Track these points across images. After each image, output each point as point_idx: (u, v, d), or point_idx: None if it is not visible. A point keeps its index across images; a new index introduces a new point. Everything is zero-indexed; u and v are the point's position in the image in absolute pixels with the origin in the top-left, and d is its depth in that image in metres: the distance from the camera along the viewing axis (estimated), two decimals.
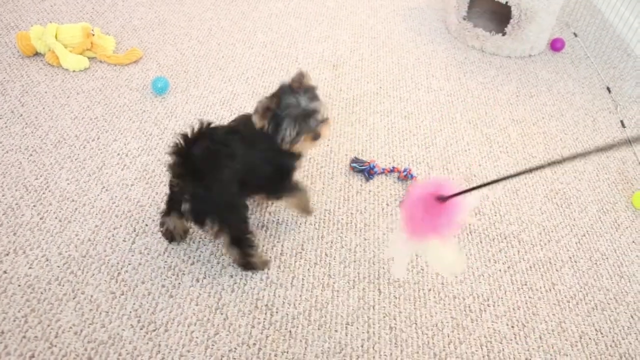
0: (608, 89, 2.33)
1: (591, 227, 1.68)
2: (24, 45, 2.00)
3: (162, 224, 1.41)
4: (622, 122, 2.14)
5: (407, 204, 0.97)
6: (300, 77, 1.30)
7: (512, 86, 2.27)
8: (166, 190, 1.58)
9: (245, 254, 1.35)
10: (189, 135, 1.18)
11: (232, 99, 1.97)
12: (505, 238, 1.60)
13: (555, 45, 2.53)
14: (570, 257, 1.58)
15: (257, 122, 1.28)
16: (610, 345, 1.37)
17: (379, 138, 1.89)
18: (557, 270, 1.53)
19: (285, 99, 1.28)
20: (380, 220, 1.58)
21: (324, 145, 1.82)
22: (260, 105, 1.27)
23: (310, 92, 1.31)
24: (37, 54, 2.05)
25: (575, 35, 2.71)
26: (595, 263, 1.57)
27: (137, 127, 1.79)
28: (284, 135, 1.28)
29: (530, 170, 0.86)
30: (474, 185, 0.91)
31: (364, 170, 1.70)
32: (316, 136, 1.30)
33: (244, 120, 1.35)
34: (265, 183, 1.40)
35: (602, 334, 1.40)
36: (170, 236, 1.42)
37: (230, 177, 1.24)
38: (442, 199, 0.91)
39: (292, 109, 1.27)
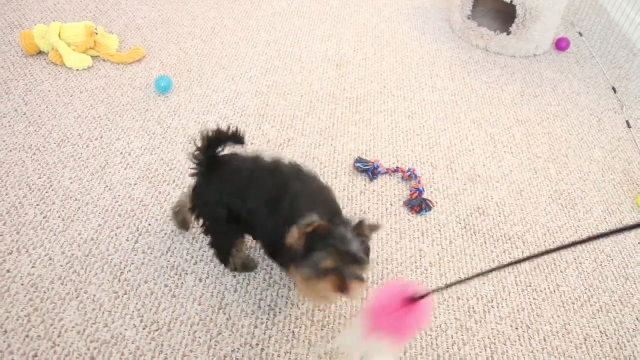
0: (614, 89, 2.31)
1: (596, 229, 1.67)
2: (28, 44, 2.00)
3: (176, 214, 1.43)
4: (627, 122, 2.13)
5: (377, 299, 0.97)
6: (373, 228, 1.12)
7: (517, 86, 2.25)
8: (170, 189, 1.58)
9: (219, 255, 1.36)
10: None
11: (235, 97, 1.97)
12: (509, 239, 1.59)
13: (561, 45, 2.52)
14: (575, 259, 1.57)
15: (294, 237, 1.06)
16: (616, 348, 1.36)
17: (383, 138, 1.88)
18: (561, 272, 1.52)
19: (338, 230, 1.07)
20: (384, 220, 1.58)
21: (328, 145, 1.81)
22: (302, 228, 1.06)
23: (365, 243, 1.10)
24: (40, 52, 2.05)
25: (581, 34, 2.69)
26: (601, 265, 1.56)
27: (141, 126, 1.79)
28: (309, 263, 1.05)
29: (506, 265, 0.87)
30: (448, 283, 0.95)
31: (368, 170, 1.70)
32: (344, 288, 1.03)
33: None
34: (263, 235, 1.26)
35: (607, 336, 1.39)
36: (184, 225, 1.45)
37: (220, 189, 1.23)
38: (414, 299, 0.91)
39: (338, 242, 1.05)
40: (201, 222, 1.28)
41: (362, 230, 1.09)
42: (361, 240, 1.08)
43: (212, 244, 1.35)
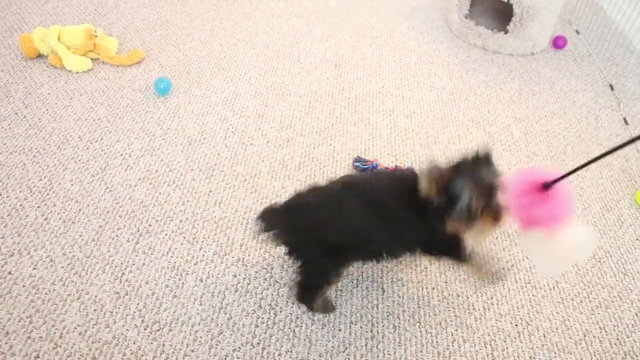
0: (611, 86, 2.32)
1: (595, 225, 1.68)
2: (27, 47, 2.00)
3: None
4: (625, 119, 2.13)
5: (513, 196, 0.91)
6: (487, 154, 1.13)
7: (515, 84, 2.26)
8: (170, 190, 1.58)
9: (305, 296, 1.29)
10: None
11: (234, 99, 1.97)
12: (508, 236, 1.59)
13: (558, 43, 2.53)
14: None
15: (426, 187, 1.07)
16: (615, 343, 1.37)
17: (381, 137, 1.89)
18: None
19: (466, 169, 1.08)
20: None
21: (327, 144, 1.82)
22: (435, 170, 1.08)
23: (492, 165, 1.11)
24: (40, 55, 2.05)
25: (578, 32, 2.70)
26: (599, 261, 1.57)
27: (140, 128, 1.80)
28: (461, 209, 1.05)
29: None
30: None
31: (367, 169, 1.70)
32: (497, 216, 1.04)
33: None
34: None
35: (606, 332, 1.39)
36: None
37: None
38: (547, 185, 0.85)
39: (475, 179, 1.06)
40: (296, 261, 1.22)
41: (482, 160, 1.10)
42: (485, 163, 1.10)
43: (302, 283, 1.26)
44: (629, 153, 1.97)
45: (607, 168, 1.88)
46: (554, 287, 1.47)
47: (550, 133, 2.02)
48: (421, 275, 1.45)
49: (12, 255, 1.37)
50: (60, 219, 1.48)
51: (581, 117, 2.13)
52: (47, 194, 1.54)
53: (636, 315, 1.44)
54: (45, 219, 1.47)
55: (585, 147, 1.97)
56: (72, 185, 1.57)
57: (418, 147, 1.86)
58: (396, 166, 1.73)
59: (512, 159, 1.87)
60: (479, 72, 2.31)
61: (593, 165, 1.87)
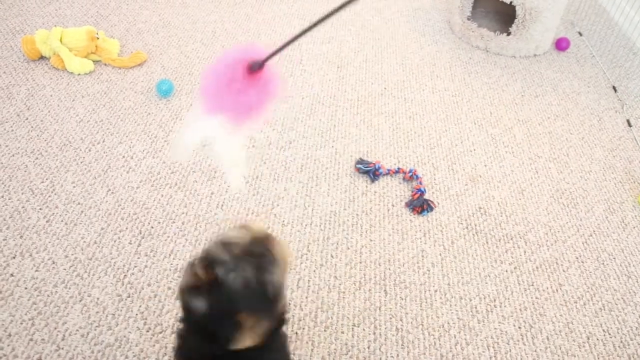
0: (614, 88, 2.32)
1: (598, 227, 1.67)
2: (29, 49, 2.01)
3: None
4: (628, 121, 2.13)
5: (212, 72, 0.75)
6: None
7: (517, 86, 2.26)
8: (172, 192, 1.58)
9: None
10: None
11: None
12: (511, 239, 1.59)
13: (560, 45, 2.52)
14: (577, 258, 1.57)
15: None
16: (619, 346, 1.36)
17: (383, 139, 1.88)
18: (564, 271, 1.52)
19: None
20: (386, 222, 1.58)
21: (329, 147, 1.81)
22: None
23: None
24: (42, 57, 2.05)
25: (580, 34, 2.70)
26: (603, 263, 1.56)
27: (142, 130, 1.80)
28: None
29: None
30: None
31: (369, 171, 1.70)
32: None
33: None
34: None
35: (610, 334, 1.39)
36: None
37: None
38: (256, 66, 0.72)
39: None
40: None
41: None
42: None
43: None
44: (633, 155, 1.96)
45: (610, 170, 1.88)
46: (557, 290, 1.47)
47: (553, 135, 2.01)
48: (424, 277, 1.45)
49: (14, 257, 1.37)
50: (62, 221, 1.48)
51: (584, 119, 2.12)
52: (49, 196, 1.54)
53: None
54: (47, 221, 1.47)
55: (589, 149, 1.96)
56: (74, 187, 1.57)
57: (420, 149, 1.86)
58: (398, 168, 1.73)
59: (514, 161, 1.87)
60: (481, 74, 2.30)
61: (596, 167, 1.87)
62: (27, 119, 1.79)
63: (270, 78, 0.74)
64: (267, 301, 0.78)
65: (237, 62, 0.73)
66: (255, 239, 0.79)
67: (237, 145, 0.80)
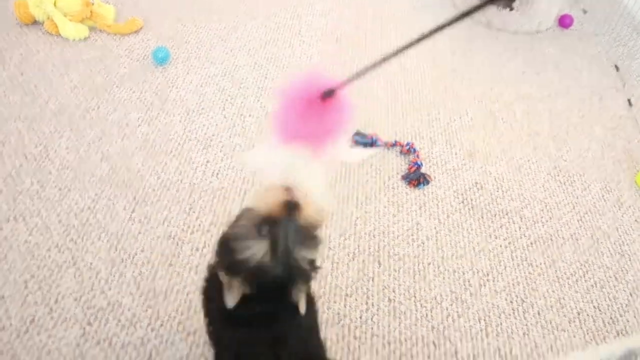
0: (616, 67, 2.29)
1: (594, 205, 1.67)
2: (22, 13, 1.97)
3: None
4: (629, 100, 2.11)
5: (284, 103, 0.76)
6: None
7: (519, 62, 2.23)
8: (167, 160, 1.57)
9: None
10: None
11: (233, 70, 1.95)
12: (506, 214, 1.59)
13: (564, 22, 2.49)
14: (571, 235, 1.57)
15: None
16: (608, 322, 1.37)
17: (381, 112, 1.87)
18: (558, 248, 1.52)
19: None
20: (382, 194, 1.57)
21: None
22: None
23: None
24: (35, 22, 2.01)
25: (585, 11, 2.66)
26: (597, 241, 1.56)
27: (138, 98, 1.77)
28: None
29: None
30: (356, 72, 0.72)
31: (366, 143, 1.69)
32: None
33: None
34: None
35: (600, 310, 1.39)
36: None
37: None
38: (328, 93, 0.72)
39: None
40: None
41: None
42: None
43: None
44: (632, 135, 1.95)
45: (609, 149, 1.87)
46: (550, 266, 1.47)
47: (553, 112, 2.00)
48: (418, 250, 1.45)
49: (7, 221, 1.36)
50: (56, 186, 1.46)
51: (585, 97, 2.10)
52: (43, 162, 1.52)
53: (630, 295, 1.44)
54: (41, 186, 1.46)
55: (588, 127, 1.95)
56: (68, 153, 1.56)
57: (419, 122, 1.84)
58: (396, 141, 1.71)
59: (513, 137, 1.85)
60: (482, 49, 2.28)
61: (595, 145, 1.86)
62: (20, 84, 1.76)
63: (343, 105, 0.74)
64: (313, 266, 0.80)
65: (310, 89, 0.73)
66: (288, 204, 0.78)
67: (317, 172, 0.80)
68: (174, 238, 1.38)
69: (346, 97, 0.74)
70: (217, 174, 1.55)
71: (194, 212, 1.45)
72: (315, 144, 0.76)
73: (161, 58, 1.90)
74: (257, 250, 0.74)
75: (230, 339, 0.88)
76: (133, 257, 1.32)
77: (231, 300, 0.77)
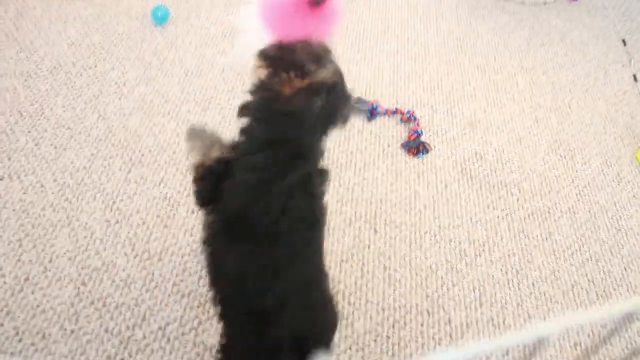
0: (624, 41, 2.25)
1: (593, 180, 1.66)
2: None
3: None
4: (634, 76, 2.08)
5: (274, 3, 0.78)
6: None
7: (524, 33, 2.19)
8: (164, 121, 1.55)
9: None
10: None
11: (234, 31, 1.91)
12: (505, 186, 1.58)
13: None
14: (569, 208, 1.56)
15: None
16: (601, 295, 1.38)
17: (383, 78, 1.84)
18: (555, 221, 1.52)
19: None
20: (381, 161, 1.56)
21: None
22: None
23: None
24: None
25: None
26: (594, 215, 1.56)
27: (136, 57, 1.74)
28: None
29: None
30: None
31: (367, 110, 1.67)
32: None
33: None
34: None
35: (594, 284, 1.40)
36: None
37: None
38: (317, 1, 0.74)
39: None
40: None
41: None
42: None
43: None
44: (635, 110, 1.93)
45: (611, 124, 1.85)
46: (546, 238, 1.47)
47: (557, 85, 1.97)
48: (415, 218, 1.44)
49: (2, 179, 1.35)
50: (51, 144, 1.45)
51: (590, 71, 2.07)
52: (38, 119, 1.50)
53: (625, 269, 1.44)
54: (36, 144, 1.44)
55: (591, 101, 1.93)
56: (64, 111, 1.54)
57: (420, 90, 1.82)
58: (396, 109, 1.69)
59: (515, 108, 1.83)
60: (488, 19, 2.23)
61: (597, 120, 1.84)
62: (16, 39, 1.73)
63: (331, 13, 0.76)
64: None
65: None
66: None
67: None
68: (169, 200, 1.37)
69: (335, 5, 0.76)
70: None
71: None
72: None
73: (160, 17, 1.85)
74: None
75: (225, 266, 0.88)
76: (128, 218, 1.32)
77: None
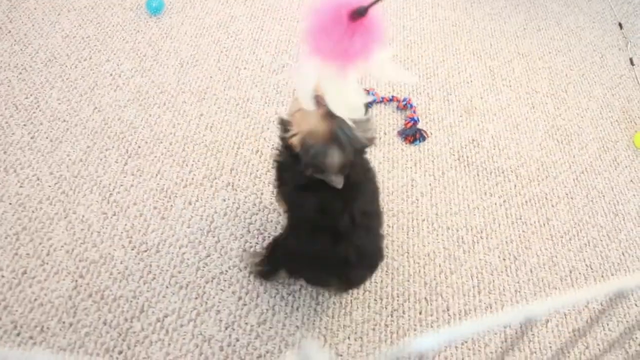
0: (620, 25, 2.24)
1: (590, 165, 1.66)
2: None
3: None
4: (631, 59, 2.07)
5: (314, 18, 0.75)
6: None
7: (520, 18, 2.18)
8: (160, 112, 1.54)
9: None
10: None
11: (229, 21, 1.89)
12: (502, 172, 1.58)
13: None
14: (566, 194, 1.56)
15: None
16: (599, 280, 1.38)
17: None
18: (552, 206, 1.52)
19: None
20: (377, 149, 1.56)
21: None
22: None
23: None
24: None
25: None
26: (592, 200, 1.56)
27: (131, 48, 1.73)
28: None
29: None
30: None
31: None
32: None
33: None
34: None
35: (592, 269, 1.40)
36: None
37: None
38: (360, 11, 0.71)
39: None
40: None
41: None
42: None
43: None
44: (632, 94, 1.92)
45: (607, 108, 1.85)
46: (544, 224, 1.47)
47: (553, 70, 1.96)
48: (412, 206, 1.44)
49: None
50: (47, 137, 1.44)
51: (586, 55, 2.06)
52: (34, 112, 1.50)
53: (622, 254, 1.45)
54: (31, 138, 1.44)
55: (588, 86, 1.92)
56: (59, 104, 1.53)
57: (417, 78, 1.81)
58: (393, 97, 1.69)
59: (511, 94, 1.83)
60: (484, 4, 2.22)
61: (594, 105, 1.84)
62: (9, 32, 1.71)
63: (374, 24, 0.74)
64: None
65: (341, 7, 0.73)
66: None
67: (351, 91, 0.81)
68: (166, 191, 1.37)
69: (377, 16, 0.74)
70: (211, 127, 1.53)
71: (187, 165, 1.43)
72: (344, 63, 0.76)
73: (155, 7, 1.84)
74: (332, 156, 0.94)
75: (305, 201, 1.05)
76: (125, 210, 1.32)
77: (339, 183, 0.97)
